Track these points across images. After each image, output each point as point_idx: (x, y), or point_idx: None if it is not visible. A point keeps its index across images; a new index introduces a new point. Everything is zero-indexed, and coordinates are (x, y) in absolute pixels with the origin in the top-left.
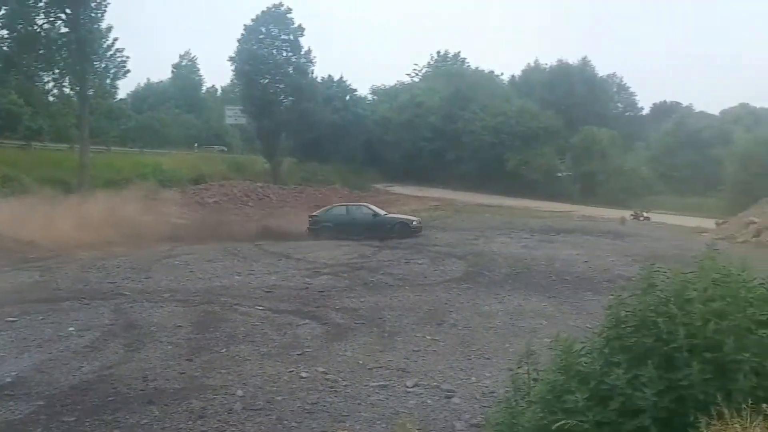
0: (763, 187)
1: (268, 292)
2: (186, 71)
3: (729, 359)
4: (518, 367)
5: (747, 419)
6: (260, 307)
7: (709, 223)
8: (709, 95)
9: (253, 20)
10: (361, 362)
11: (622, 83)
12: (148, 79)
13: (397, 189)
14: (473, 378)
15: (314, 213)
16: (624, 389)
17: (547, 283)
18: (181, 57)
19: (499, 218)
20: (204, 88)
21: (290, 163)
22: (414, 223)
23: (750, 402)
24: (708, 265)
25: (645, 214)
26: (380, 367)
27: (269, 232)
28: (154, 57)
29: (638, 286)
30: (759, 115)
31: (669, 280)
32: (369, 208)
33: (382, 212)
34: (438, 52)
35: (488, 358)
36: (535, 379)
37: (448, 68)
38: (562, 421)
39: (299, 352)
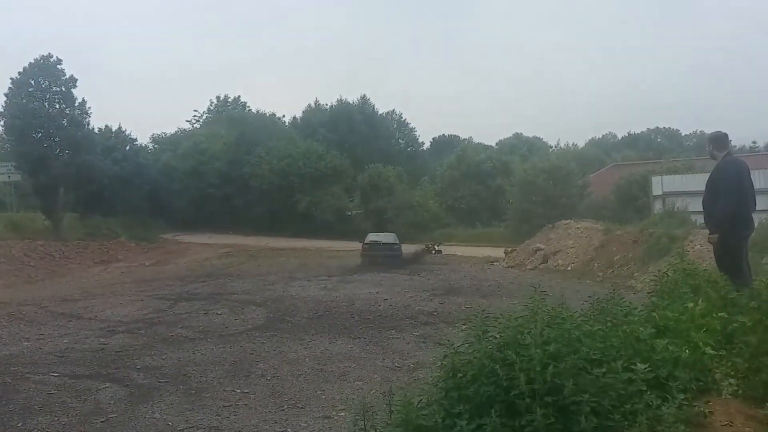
0: (544, 215)
1: (61, 356)
2: None
3: (569, 401)
4: (354, 426)
5: None
6: (55, 374)
7: (499, 252)
8: (484, 127)
9: (20, 73)
10: (171, 424)
11: (402, 120)
12: None
13: (187, 238)
14: (289, 430)
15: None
16: None
17: (350, 324)
18: None
19: (295, 261)
20: None
21: (72, 218)
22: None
23: None
24: (538, 307)
25: (437, 247)
26: (192, 427)
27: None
28: None
29: (471, 333)
30: (532, 144)
31: (501, 325)
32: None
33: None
34: (218, 97)
35: (301, 407)
36: None
37: (229, 113)
38: None
39: (103, 419)
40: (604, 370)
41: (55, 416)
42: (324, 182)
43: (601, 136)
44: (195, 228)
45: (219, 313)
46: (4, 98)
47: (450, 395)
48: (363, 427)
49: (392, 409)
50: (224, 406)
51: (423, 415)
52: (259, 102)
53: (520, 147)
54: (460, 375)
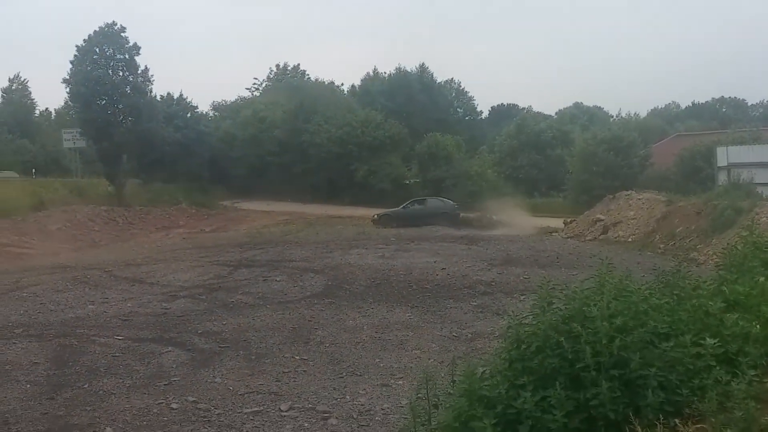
0: (604, 186)
1: (125, 320)
2: (17, 95)
3: (636, 375)
4: (417, 394)
5: None
6: (119, 337)
7: (557, 223)
8: (543, 96)
9: (85, 41)
10: (231, 388)
11: (460, 88)
12: None
13: (246, 205)
14: (347, 397)
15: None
16: (532, 412)
17: (408, 293)
18: (11, 80)
19: (353, 229)
20: (37, 111)
21: (134, 185)
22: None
23: (661, 418)
24: (606, 279)
25: (494, 217)
26: (252, 392)
27: None
28: None
29: (535, 304)
30: (592, 114)
31: (567, 297)
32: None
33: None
34: (277, 65)
35: (360, 375)
36: (435, 406)
37: (288, 81)
38: None
39: (166, 382)
40: (671, 344)
41: (120, 378)
42: (382, 151)
43: (663, 106)
44: (254, 195)
45: (278, 279)
46: (70, 66)
47: (514, 366)
48: (425, 395)
49: (454, 378)
50: (283, 372)
51: (486, 385)
52: (318, 70)
53: (581, 117)
54: (524, 346)
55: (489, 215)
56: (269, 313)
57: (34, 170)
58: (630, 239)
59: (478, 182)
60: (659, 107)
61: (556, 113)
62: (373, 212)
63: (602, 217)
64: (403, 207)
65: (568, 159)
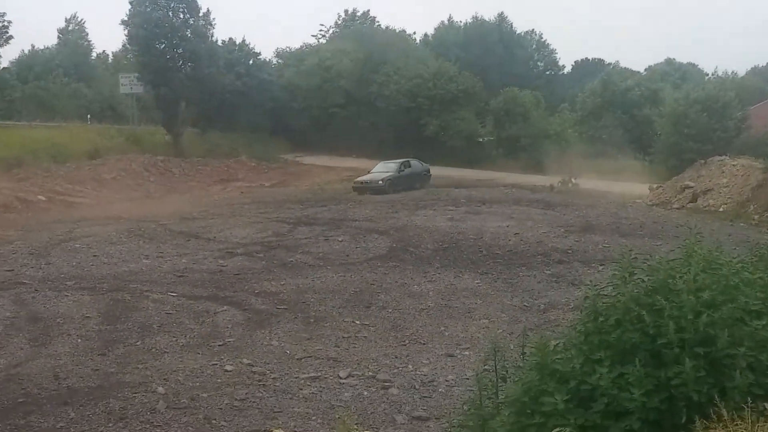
0: (695, 150)
1: (180, 276)
2: (74, 37)
3: (723, 354)
4: (484, 365)
5: (748, 420)
6: (173, 294)
7: (642, 189)
8: (632, 51)
9: None
10: (288, 352)
11: (542, 40)
12: (33, 46)
13: (308, 159)
14: (410, 366)
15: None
16: (608, 389)
17: (478, 258)
18: (68, 21)
19: (420, 188)
20: (94, 54)
21: (192, 134)
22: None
23: (749, 401)
24: (694, 250)
25: (574, 180)
26: (309, 357)
27: None
28: (38, 21)
29: (615, 274)
30: (685, 71)
31: (650, 268)
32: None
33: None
34: (345, 11)
35: (423, 344)
36: (503, 379)
37: (357, 28)
38: (540, 425)
39: (221, 343)
40: (764, 322)
41: (174, 336)
42: (454, 105)
43: (764, 65)
44: (316, 149)
45: (340, 239)
46: (129, 7)
47: (590, 340)
48: (493, 367)
49: (525, 350)
50: (343, 337)
51: (559, 359)
52: (388, 17)
53: (672, 74)
54: (602, 319)
55: (568, 179)
56: (329, 275)
57: (89, 116)
58: (721, 209)
59: (557, 142)
60: (760, 66)
61: (645, 70)
62: (446, 171)
63: (691, 183)
64: (399, 170)
65: (657, 120)
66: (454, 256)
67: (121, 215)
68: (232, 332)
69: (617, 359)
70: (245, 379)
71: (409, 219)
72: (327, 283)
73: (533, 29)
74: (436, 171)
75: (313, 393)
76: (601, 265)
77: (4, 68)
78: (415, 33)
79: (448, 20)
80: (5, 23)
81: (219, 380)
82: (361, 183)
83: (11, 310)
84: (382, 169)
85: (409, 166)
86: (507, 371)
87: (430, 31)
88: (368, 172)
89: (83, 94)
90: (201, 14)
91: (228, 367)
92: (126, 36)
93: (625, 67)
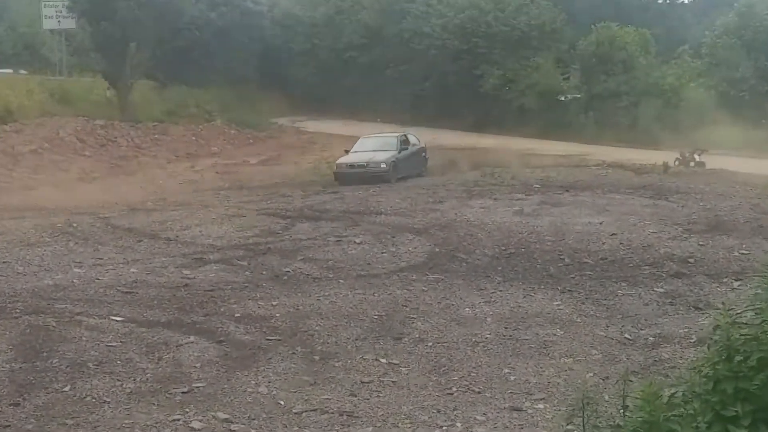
0: None
1: (127, 293)
2: None
3: None
4: (566, 424)
5: None
6: (117, 318)
7: None
8: None
9: None
10: (282, 403)
11: None
12: None
13: (312, 125)
14: (458, 425)
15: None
16: None
17: (557, 269)
18: None
19: (475, 167)
20: None
21: (146, 89)
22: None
23: None
24: None
25: (697, 157)
26: (313, 411)
27: None
28: None
29: (760, 294)
30: None
31: None
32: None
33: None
34: None
35: (478, 392)
36: None
37: None
38: None
39: (185, 389)
40: None
41: (118, 379)
42: (525, 48)
43: None
44: (325, 111)
45: (358, 241)
46: None
47: (721, 388)
48: (580, 427)
49: (626, 403)
50: (362, 383)
51: (676, 415)
52: None
53: None
54: (738, 358)
55: (689, 155)
56: (343, 292)
57: None
58: None
59: (673, 102)
60: None
61: None
62: (512, 143)
63: None
64: (400, 147)
65: None
66: (523, 267)
67: (44, 205)
68: (202, 374)
69: (761, 417)
70: None
71: (459, 212)
72: (339, 305)
73: None
74: (499, 142)
75: None
76: (736, 280)
77: None
78: None
79: None
80: None
81: None
82: (350, 166)
83: None
84: (374, 146)
85: (408, 143)
86: None
87: None
88: (348, 152)
89: None
90: None
91: (196, 425)
92: None
93: None
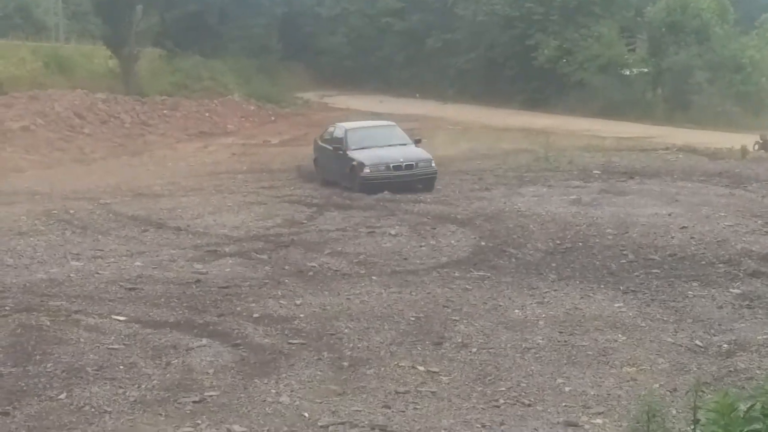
0: None
1: (131, 289)
2: None
3: None
4: None
5: None
6: (120, 318)
7: None
8: None
9: None
10: (307, 416)
11: None
12: None
13: (342, 101)
14: None
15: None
16: None
17: (620, 267)
18: None
19: (527, 150)
20: None
21: (154, 58)
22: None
23: None
24: None
25: None
26: (341, 424)
27: None
28: None
29: None
30: None
31: None
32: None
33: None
34: None
35: (529, 404)
36: None
37: None
38: None
39: (196, 398)
40: None
41: (120, 387)
42: (585, 16)
43: None
44: (356, 85)
45: (393, 233)
46: None
47: None
48: None
49: (697, 417)
50: (397, 393)
51: (754, 430)
52: None
53: None
54: None
55: None
56: (375, 290)
57: None
58: None
59: (754, 77)
60: None
61: None
62: (570, 123)
63: None
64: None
65: None
66: (581, 263)
67: (37, 189)
68: (216, 381)
69: None
70: None
71: (508, 201)
72: (371, 304)
73: None
74: (554, 122)
75: None
76: None
77: None
78: None
79: None
80: None
81: None
82: (392, 168)
83: None
84: (386, 140)
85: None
86: None
87: None
88: (341, 150)
89: None
90: None
91: None
92: None
93: None
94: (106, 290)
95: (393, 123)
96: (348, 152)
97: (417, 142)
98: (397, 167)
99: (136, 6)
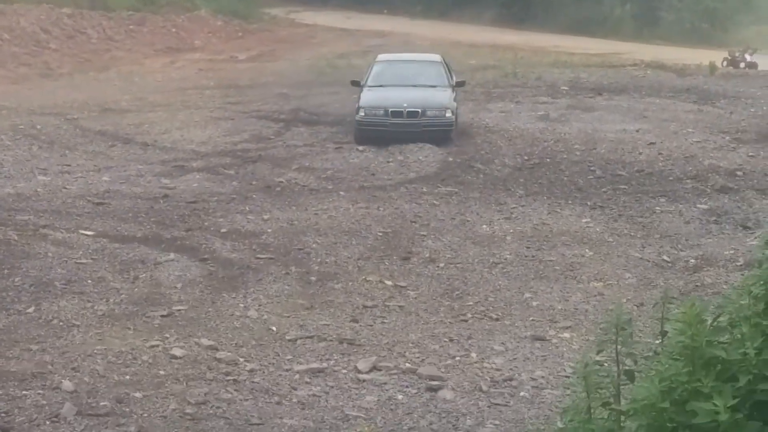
0: None
1: (98, 204)
2: None
3: None
4: (597, 354)
5: None
6: (88, 232)
7: None
8: None
9: None
10: (275, 329)
11: None
12: None
13: (310, 16)
14: (473, 354)
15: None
16: None
17: (587, 182)
18: None
19: (495, 66)
20: None
21: None
22: None
23: None
24: None
25: (749, 57)
26: (309, 338)
27: None
28: None
29: None
30: None
31: None
32: None
33: None
34: None
35: (496, 319)
36: (629, 375)
37: None
38: None
39: (164, 312)
40: None
41: (88, 301)
42: None
43: None
44: (324, 0)
45: (360, 149)
46: None
47: None
48: (612, 355)
49: (665, 329)
50: (365, 307)
51: (722, 342)
52: None
53: None
54: None
55: (740, 53)
56: (343, 206)
57: None
58: None
59: None
60: None
61: None
62: (536, 39)
63: None
64: (453, 81)
65: None
66: (549, 179)
67: (3, 104)
68: (184, 296)
69: None
70: (204, 371)
71: (476, 116)
72: (339, 220)
73: None
74: (522, 38)
75: (314, 396)
76: None
77: None
78: None
79: None
80: None
81: (161, 372)
82: (390, 114)
83: None
84: (412, 78)
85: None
86: (635, 362)
87: None
88: (366, 87)
89: None
90: None
91: (176, 352)
92: None
93: None
94: (73, 205)
95: (438, 59)
96: (363, 89)
97: (460, 84)
98: (397, 113)
99: None
